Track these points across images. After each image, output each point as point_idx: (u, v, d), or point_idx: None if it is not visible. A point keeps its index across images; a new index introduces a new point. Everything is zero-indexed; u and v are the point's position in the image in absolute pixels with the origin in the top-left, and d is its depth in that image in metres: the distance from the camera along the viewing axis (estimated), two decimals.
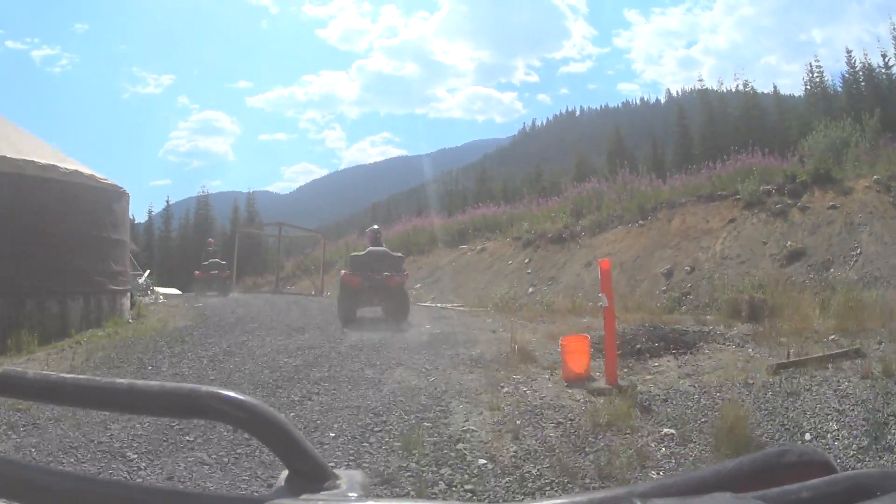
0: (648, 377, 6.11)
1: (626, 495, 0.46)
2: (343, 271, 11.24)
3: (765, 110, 34.98)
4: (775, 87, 38.60)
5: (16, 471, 0.56)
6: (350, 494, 0.51)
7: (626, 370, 6.30)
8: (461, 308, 15.41)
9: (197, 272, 21.64)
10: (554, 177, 39.03)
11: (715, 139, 31.72)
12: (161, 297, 17.79)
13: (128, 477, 3.67)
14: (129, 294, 12.72)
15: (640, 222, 17.55)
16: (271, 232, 28.38)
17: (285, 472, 0.53)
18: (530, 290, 17.09)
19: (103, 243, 11.52)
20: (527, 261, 18.58)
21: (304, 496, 0.50)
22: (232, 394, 0.54)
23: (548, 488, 3.56)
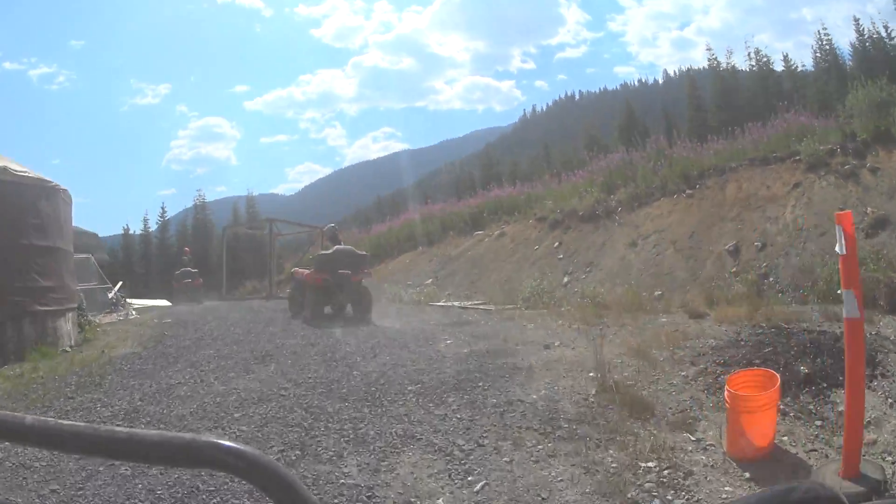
0: (872, 437, 3.36)
1: None
2: (296, 269, 12.02)
3: (778, 79, 32.51)
4: (786, 55, 36.04)
5: None
6: None
7: (807, 420, 3.54)
8: (485, 307, 12.71)
9: (174, 282, 21.44)
10: (565, 156, 36.13)
11: (730, 110, 29.25)
12: (133, 311, 15.16)
13: None
14: (71, 314, 10.05)
15: (688, 192, 14.83)
16: (262, 230, 25.82)
17: None
18: (565, 279, 14.39)
19: (23, 252, 8.89)
20: (556, 244, 15.89)
21: None
22: (232, 444, 0.53)
23: None
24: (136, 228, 47.62)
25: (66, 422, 0.57)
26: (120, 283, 17.99)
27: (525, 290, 13.32)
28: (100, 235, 24.19)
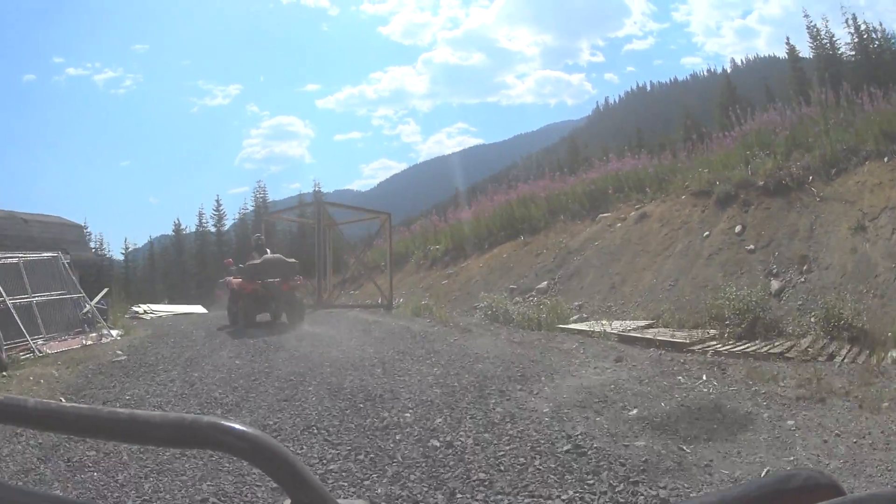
0: None
1: None
2: (230, 279, 12.07)
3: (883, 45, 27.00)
4: (881, 24, 29.73)
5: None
6: None
7: None
8: (664, 335, 7.40)
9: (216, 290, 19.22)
10: (661, 138, 30.18)
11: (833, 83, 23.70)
12: (114, 333, 10.64)
13: None
14: None
15: None
16: (309, 216, 20.59)
17: (288, 502, 0.53)
18: (773, 283, 8.94)
19: None
20: (737, 228, 10.49)
21: None
22: (234, 424, 0.54)
23: None
24: (191, 225, 44.64)
25: (68, 404, 0.57)
26: (105, 290, 13.49)
27: (719, 302, 7.95)
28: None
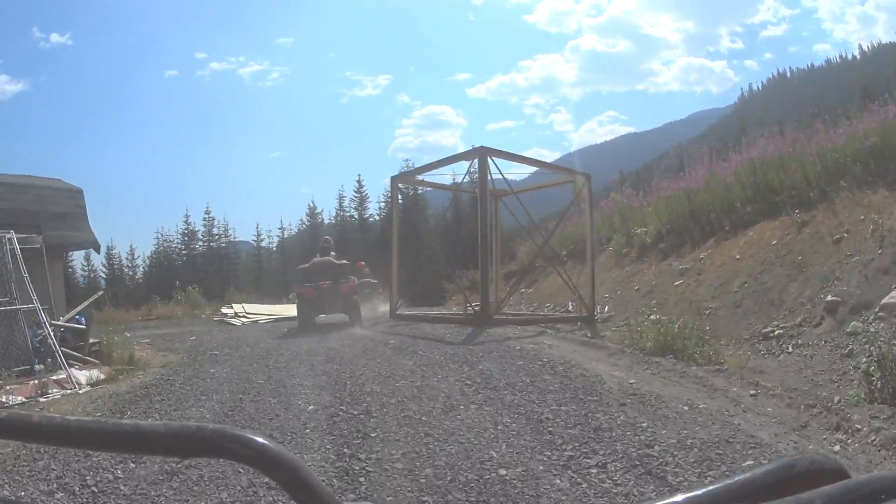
0: None
1: None
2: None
3: None
4: None
5: None
6: None
7: None
8: None
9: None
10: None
11: None
12: (83, 380, 6.59)
13: None
14: None
15: None
16: (467, 185, 14.67)
17: None
18: None
19: None
20: None
21: None
22: (239, 431, 0.53)
23: None
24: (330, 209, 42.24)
25: (72, 418, 0.56)
26: (97, 294, 9.96)
27: None
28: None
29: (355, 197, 40.52)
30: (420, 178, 14.36)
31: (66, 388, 6.79)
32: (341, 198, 40.75)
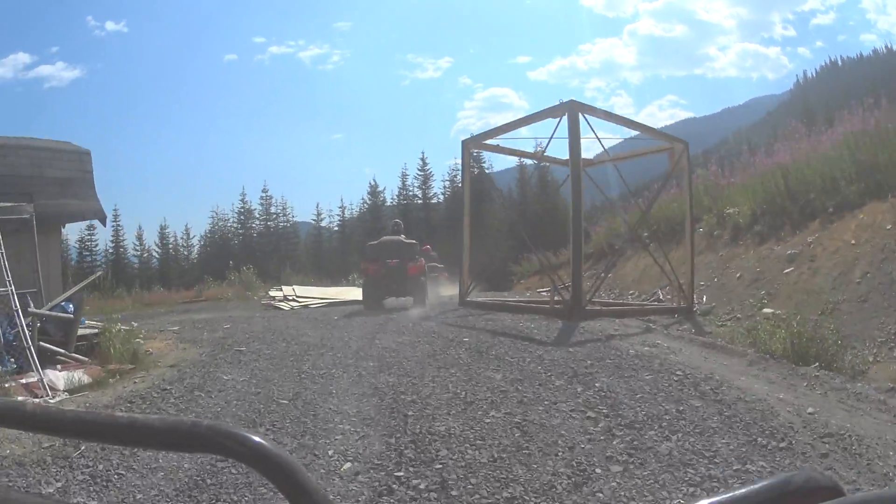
0: None
1: None
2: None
3: None
4: None
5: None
6: None
7: None
8: None
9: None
10: None
11: None
12: (62, 392, 4.74)
13: None
14: None
15: None
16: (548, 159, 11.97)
17: None
18: None
19: None
20: None
21: None
22: (234, 428, 0.53)
23: None
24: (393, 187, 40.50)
25: (67, 408, 0.56)
26: (94, 276, 8.70)
27: None
28: None
29: (419, 175, 38.55)
30: (495, 142, 12.06)
31: (37, 395, 5.04)
32: (404, 176, 38.82)
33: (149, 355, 6.85)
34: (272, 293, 13.75)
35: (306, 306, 12.39)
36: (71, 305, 6.52)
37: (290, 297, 12.81)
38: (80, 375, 5.60)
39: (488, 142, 11.75)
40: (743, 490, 0.49)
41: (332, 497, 0.51)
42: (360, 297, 11.68)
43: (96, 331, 6.94)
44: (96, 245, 36.33)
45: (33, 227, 6.73)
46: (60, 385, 5.40)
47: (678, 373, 5.36)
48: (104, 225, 8.58)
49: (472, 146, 11.86)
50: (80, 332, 6.76)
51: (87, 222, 39.68)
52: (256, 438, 0.51)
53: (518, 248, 28.95)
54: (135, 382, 5.50)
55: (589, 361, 5.75)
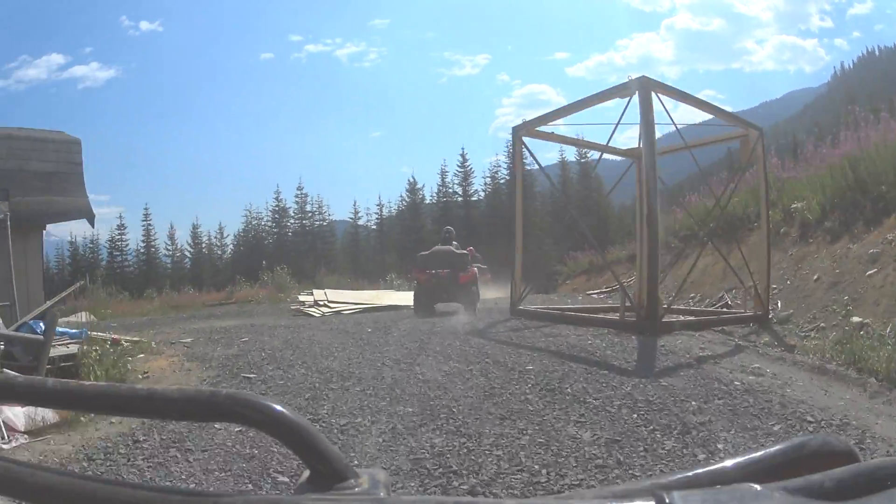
0: None
1: (648, 488, 0.44)
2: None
3: None
4: None
5: (25, 473, 0.52)
6: (371, 492, 0.49)
7: None
8: None
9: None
10: None
11: None
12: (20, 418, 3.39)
13: None
14: None
15: None
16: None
17: (307, 473, 0.50)
18: None
19: None
20: None
21: (325, 494, 0.49)
22: (251, 397, 0.52)
23: None
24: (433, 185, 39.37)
25: (86, 382, 0.56)
26: (73, 287, 9.33)
27: None
28: None
29: (459, 171, 37.25)
30: (550, 129, 10.57)
31: None
32: (443, 173, 37.57)
33: (144, 379, 5.72)
34: (302, 297, 12.58)
35: (339, 312, 11.18)
36: (41, 324, 5.35)
37: (321, 303, 11.61)
38: (47, 413, 4.43)
39: (542, 128, 10.32)
40: (760, 452, 0.48)
41: (351, 464, 0.48)
42: (395, 303, 11.38)
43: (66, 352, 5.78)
44: (126, 245, 36.17)
45: (7, 228, 5.60)
46: (20, 425, 4.26)
47: (809, 418, 4.24)
48: (92, 225, 7.52)
49: (524, 133, 10.39)
50: (68, 350, 5.65)
51: (118, 221, 40.17)
52: (276, 406, 0.50)
53: (561, 247, 27.56)
54: (111, 423, 4.33)
55: (693, 403, 4.42)
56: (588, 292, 15.82)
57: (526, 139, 10.32)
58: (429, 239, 36.01)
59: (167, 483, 3.16)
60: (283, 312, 12.11)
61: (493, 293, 12.93)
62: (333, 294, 12.27)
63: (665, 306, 8.47)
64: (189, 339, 8.25)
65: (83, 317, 17.83)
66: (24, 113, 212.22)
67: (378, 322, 9.40)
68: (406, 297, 12.74)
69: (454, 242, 11.99)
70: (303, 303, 11.97)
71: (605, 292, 14.73)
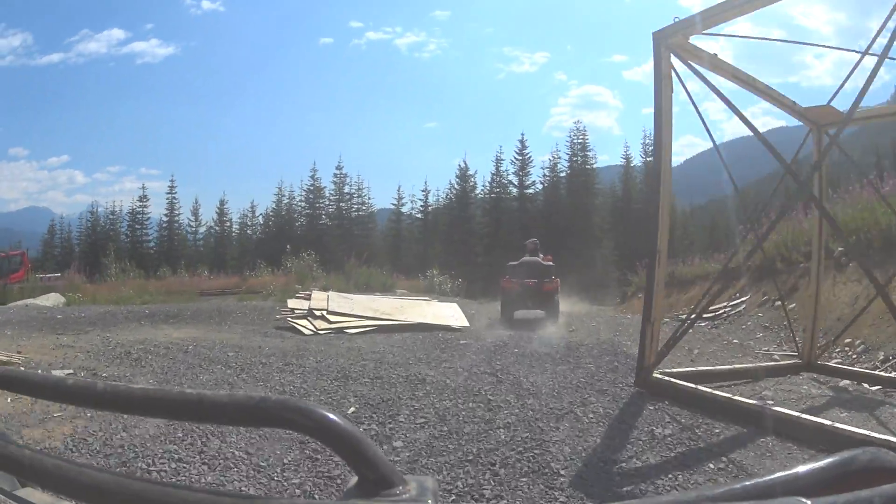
0: None
1: (695, 500, 0.45)
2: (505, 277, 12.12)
3: None
4: None
5: (74, 471, 0.53)
6: (419, 499, 0.50)
7: None
8: None
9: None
10: None
11: None
12: None
13: None
14: None
15: None
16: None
17: (355, 479, 0.51)
18: None
19: None
20: None
21: (372, 500, 0.49)
22: (301, 403, 0.53)
23: None
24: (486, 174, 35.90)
25: (135, 385, 0.57)
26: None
27: None
28: None
29: (516, 159, 33.45)
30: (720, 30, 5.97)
31: None
32: (498, 160, 33.81)
33: None
34: (291, 302, 8.95)
35: (342, 331, 7.58)
36: None
37: (319, 312, 8.03)
38: None
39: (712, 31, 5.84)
40: (808, 466, 0.47)
41: (400, 472, 0.49)
42: (430, 321, 9.56)
43: None
44: (148, 218, 33.69)
45: None
46: None
47: None
48: None
49: (676, 43, 5.93)
50: None
51: (140, 192, 38.30)
52: (326, 413, 0.51)
53: (622, 256, 24.44)
54: None
55: None
56: (677, 313, 11.77)
57: (675, 62, 5.64)
58: (478, 232, 32.49)
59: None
60: (276, 318, 8.69)
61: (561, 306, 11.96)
62: (338, 302, 8.61)
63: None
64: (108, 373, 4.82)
65: (51, 299, 15.14)
66: (83, 86, 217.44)
67: (399, 357, 5.84)
68: (451, 314, 10.18)
69: (540, 254, 12.41)
70: (293, 310, 8.39)
71: (710, 318, 10.64)
